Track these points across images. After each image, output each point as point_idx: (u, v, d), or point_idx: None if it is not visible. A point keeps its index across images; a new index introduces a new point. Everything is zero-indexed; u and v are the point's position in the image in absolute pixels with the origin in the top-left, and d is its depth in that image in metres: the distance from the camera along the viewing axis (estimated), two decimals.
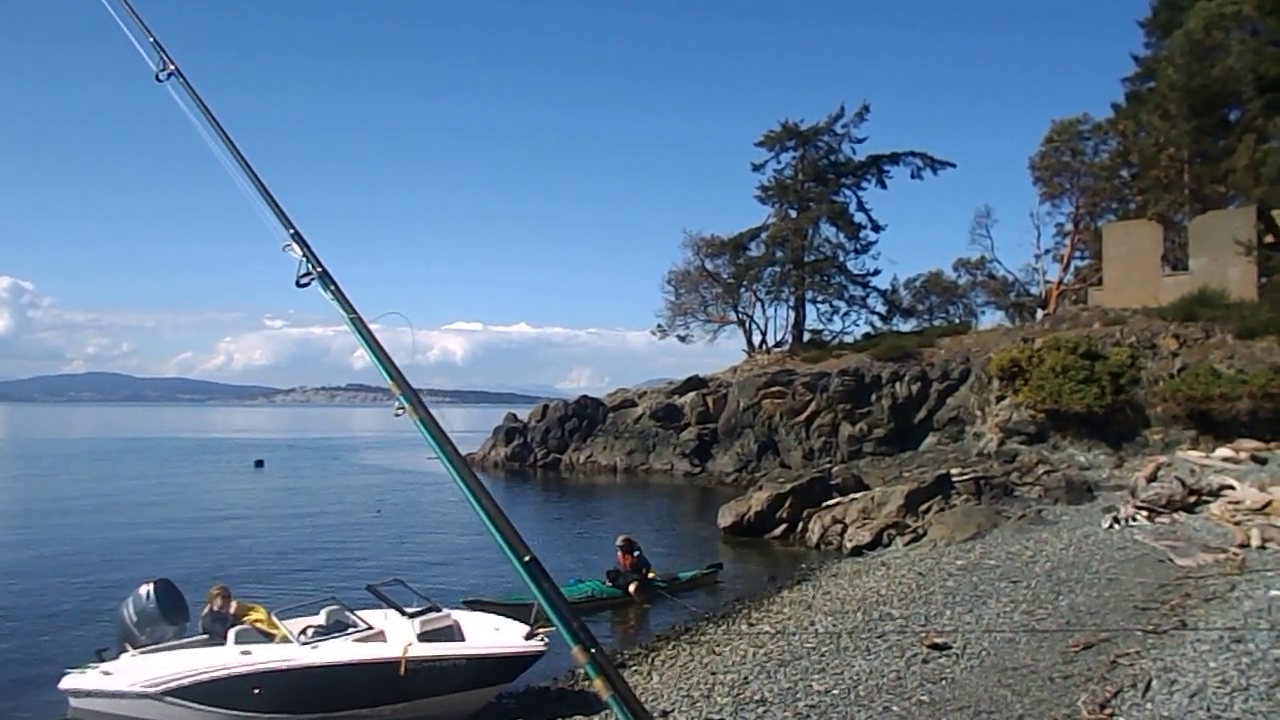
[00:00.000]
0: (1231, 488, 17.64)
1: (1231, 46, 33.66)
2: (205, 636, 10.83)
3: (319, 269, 2.59)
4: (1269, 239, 30.84)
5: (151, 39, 3.55)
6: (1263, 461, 21.07)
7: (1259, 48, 31.77)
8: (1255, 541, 13.15)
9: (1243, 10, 31.95)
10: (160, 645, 10.87)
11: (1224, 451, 22.81)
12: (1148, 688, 7.24)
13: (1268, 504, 15.20)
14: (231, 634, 10.36)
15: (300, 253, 2.61)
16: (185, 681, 10.05)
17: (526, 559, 2.06)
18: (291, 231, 2.68)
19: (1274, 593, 9.59)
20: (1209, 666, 7.23)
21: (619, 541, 17.48)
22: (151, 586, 11.32)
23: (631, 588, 16.77)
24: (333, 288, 2.56)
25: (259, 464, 50.66)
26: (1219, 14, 34.35)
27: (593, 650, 1.92)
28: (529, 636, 10.18)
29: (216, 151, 2.81)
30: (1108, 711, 6.98)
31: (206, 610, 11.03)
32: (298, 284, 2.59)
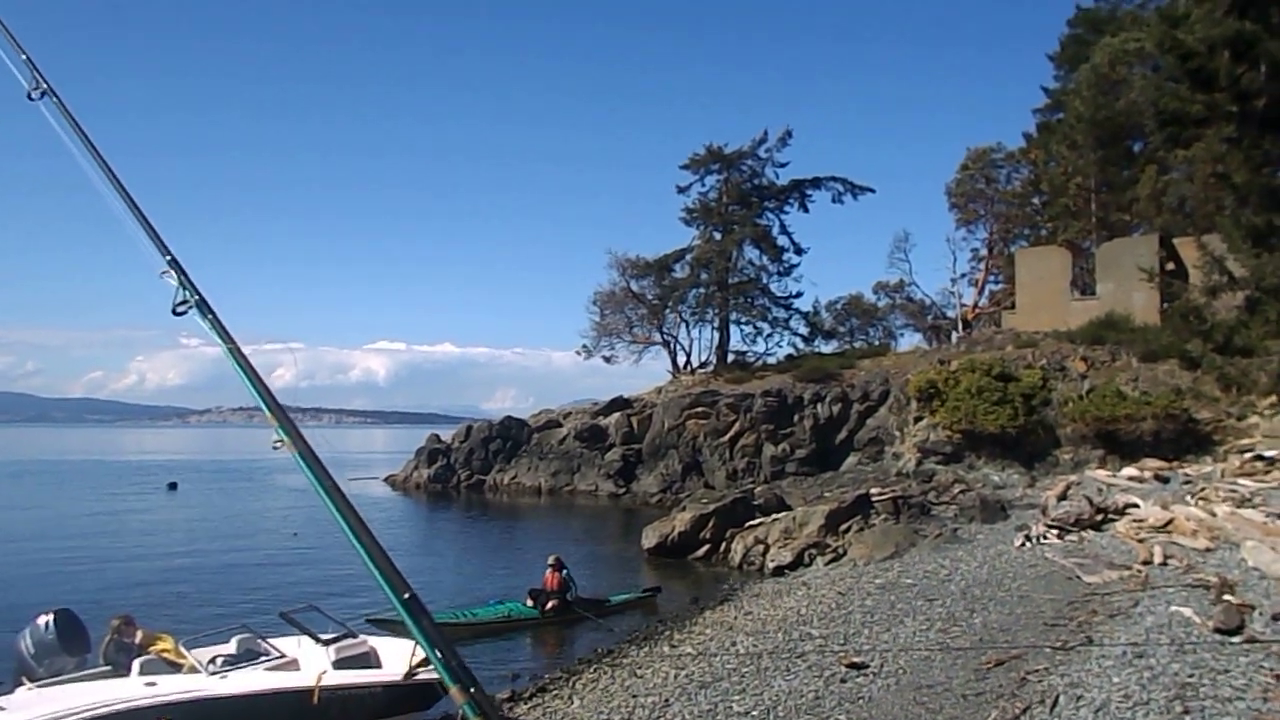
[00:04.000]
0: (1136, 506, 18.26)
1: (1134, 81, 35.14)
2: (108, 668, 10.40)
3: (196, 296, 2.52)
4: (1170, 266, 32.10)
5: (24, 56, 3.43)
6: (1165, 480, 21.86)
7: (1159, 83, 33.09)
8: (1157, 559, 13.61)
9: (1145, 47, 33.34)
10: (59, 678, 10.41)
11: (1129, 471, 23.63)
12: (1055, 703, 7.44)
13: (1169, 522, 15.76)
14: (136, 664, 9.98)
15: (177, 279, 2.54)
16: (86, 715, 9.62)
17: (406, 596, 2.03)
18: (168, 258, 2.60)
19: (1174, 608, 9.93)
20: (1113, 682, 7.45)
21: (550, 560, 17.38)
22: (51, 616, 10.82)
23: (549, 605, 16.70)
24: (210, 316, 2.50)
25: (172, 486, 49.15)
26: (1122, 50, 35.87)
27: (471, 690, 1.90)
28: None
29: (91, 174, 2.72)
30: None
31: (109, 640, 10.57)
32: (174, 312, 2.52)
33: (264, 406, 2.31)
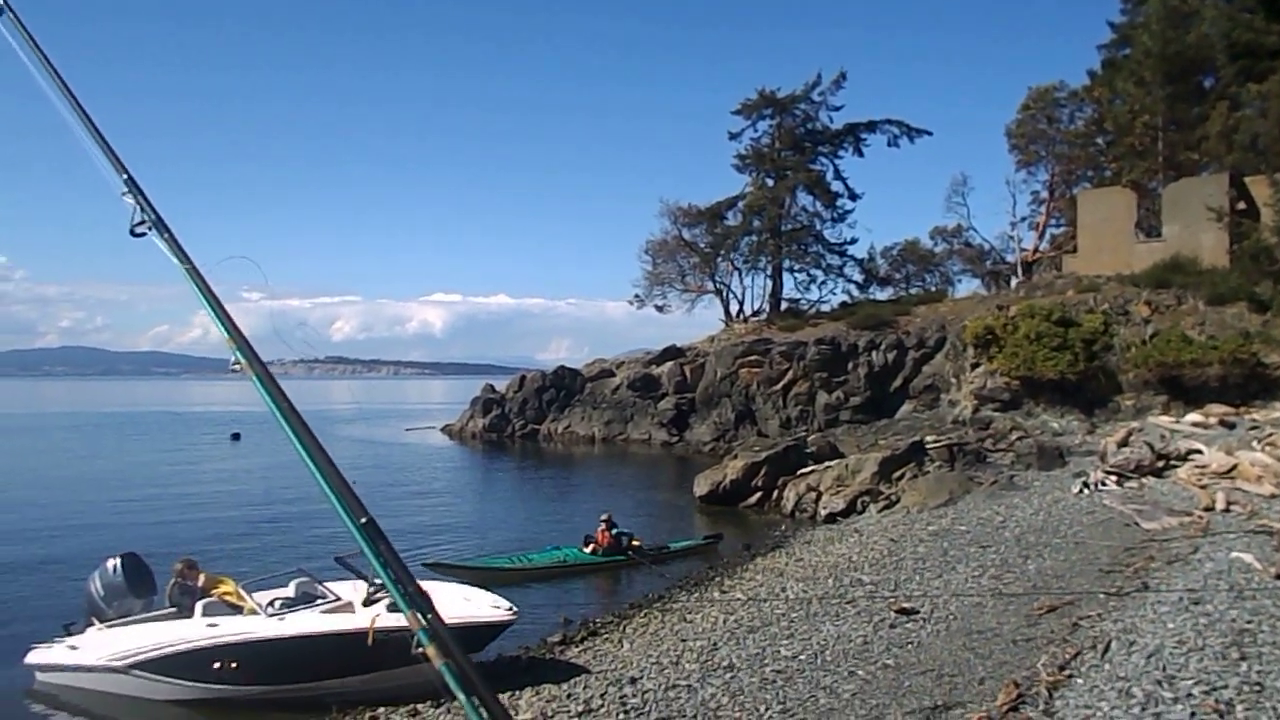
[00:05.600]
0: (1199, 452, 17.85)
1: (1205, 13, 33.73)
2: (173, 610, 10.75)
3: (154, 217, 2.50)
4: (1241, 206, 31.03)
5: None
6: (1231, 426, 21.33)
7: (1232, 14, 31.84)
8: (1220, 505, 13.31)
9: None
10: (127, 619, 10.79)
11: (1193, 417, 23.08)
12: (1107, 649, 7.32)
13: (1233, 468, 15.38)
14: (199, 607, 10.30)
15: (135, 200, 2.53)
16: (152, 655, 10.01)
17: (363, 520, 2.02)
18: (125, 177, 2.58)
19: (1235, 554, 9.70)
20: (1167, 628, 7.31)
21: (602, 517, 17.53)
22: (119, 560, 11.23)
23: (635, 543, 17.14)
24: (167, 236, 2.48)
25: (235, 437, 50.35)
26: None
27: (428, 617, 1.87)
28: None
29: (49, 94, 2.70)
30: (1066, 673, 7.05)
31: (173, 583, 10.93)
32: (132, 233, 2.51)
33: (222, 329, 2.30)
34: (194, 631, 9.95)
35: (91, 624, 10.88)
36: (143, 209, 2.53)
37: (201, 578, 11.02)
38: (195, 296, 2.36)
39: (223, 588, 10.96)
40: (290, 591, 10.64)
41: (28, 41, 2.72)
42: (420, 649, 1.79)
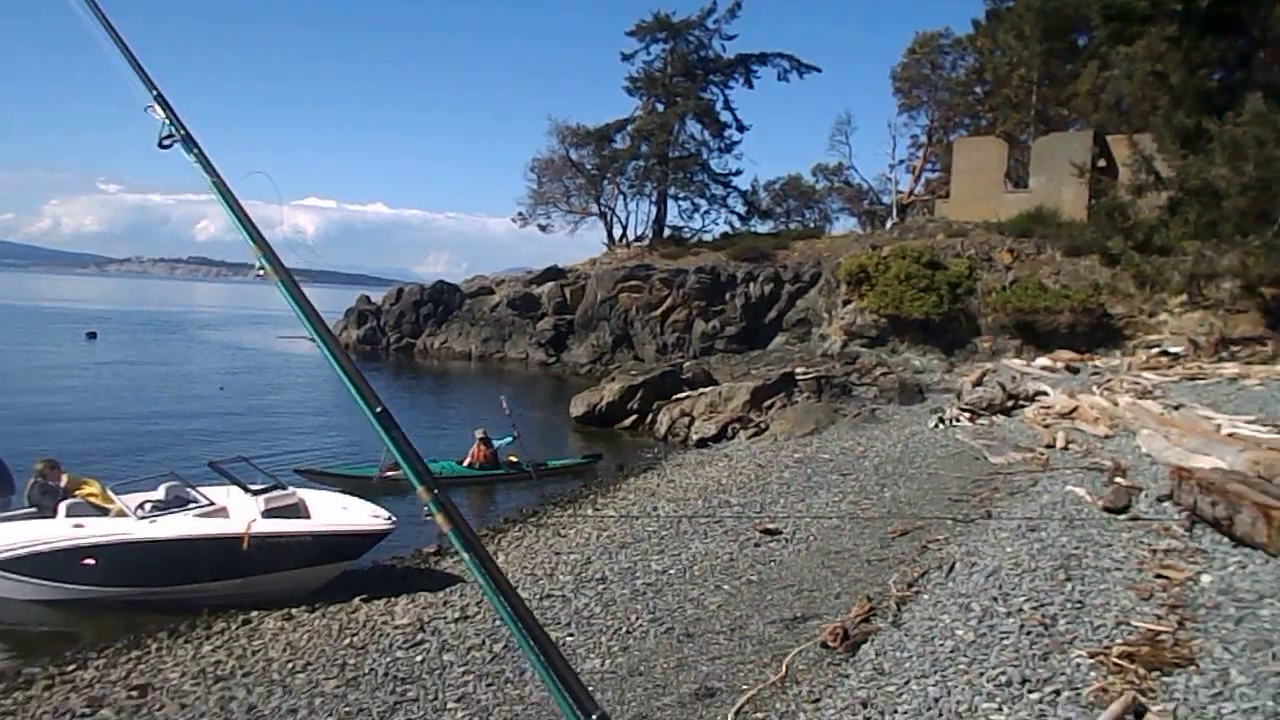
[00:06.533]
0: (1045, 394, 19.06)
1: None
2: (33, 510, 10.44)
3: (182, 132, 2.56)
4: (1102, 163, 32.64)
5: None
6: (1076, 371, 22.77)
7: None
8: (1060, 443, 14.32)
9: None
10: None
11: (1043, 361, 24.53)
12: (951, 569, 7.96)
13: (1074, 409, 16.52)
14: (62, 508, 10.04)
15: (163, 115, 2.57)
16: (11, 554, 9.75)
17: (379, 410, 2.19)
18: (155, 93, 2.62)
19: (1069, 488, 10.54)
20: (1005, 551, 7.97)
21: (478, 434, 17.57)
22: None
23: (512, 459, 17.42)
24: (196, 150, 2.54)
25: (91, 336, 47.98)
26: None
27: (435, 490, 2.10)
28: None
29: (80, 14, 2.69)
30: (914, 589, 7.66)
31: (33, 483, 10.55)
32: (160, 145, 2.56)
33: (248, 237, 2.38)
34: (58, 531, 9.71)
35: None
36: (171, 123, 2.54)
37: (64, 478, 10.70)
38: (221, 207, 2.41)
39: (87, 489, 10.68)
40: (160, 495, 10.48)
41: None
42: (429, 516, 2.06)
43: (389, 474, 14.22)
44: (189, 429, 21.59)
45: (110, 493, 10.37)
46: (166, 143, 2.57)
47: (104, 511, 10.18)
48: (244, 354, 43.74)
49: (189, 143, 2.55)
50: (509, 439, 17.74)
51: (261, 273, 2.35)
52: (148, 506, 10.09)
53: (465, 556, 2.06)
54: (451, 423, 23.68)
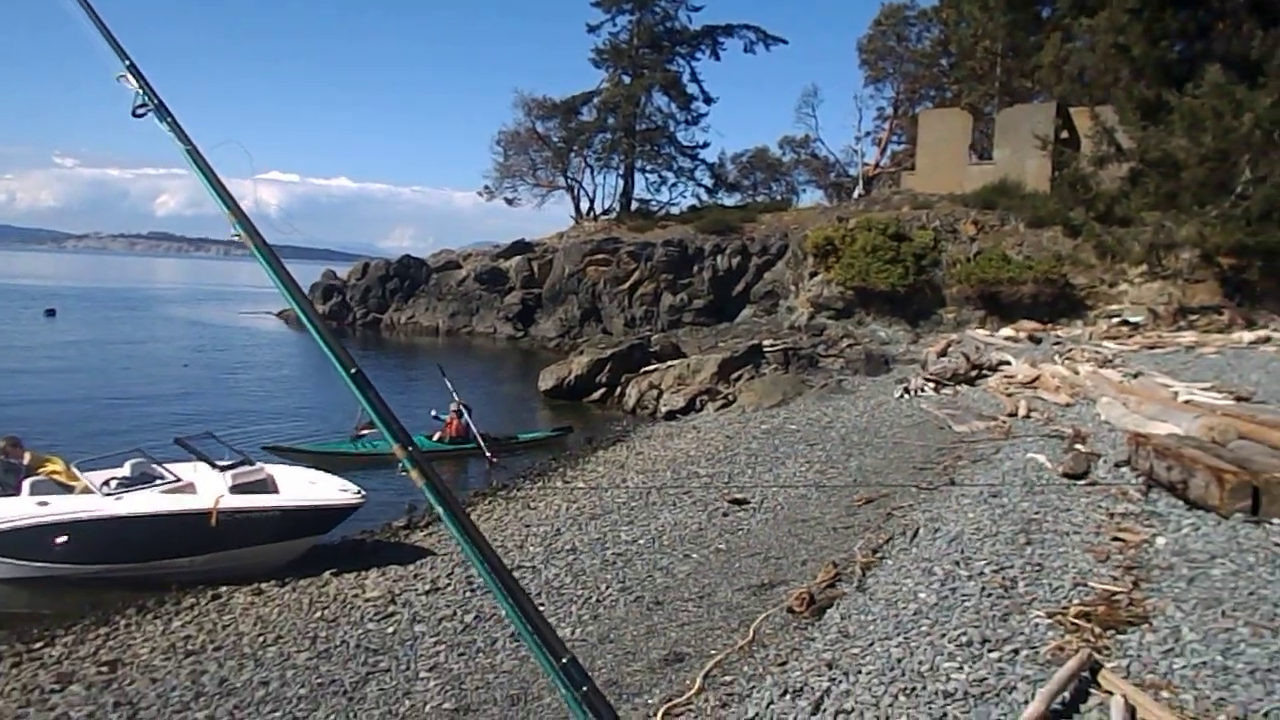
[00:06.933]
0: (1008, 364, 19.32)
1: None
2: None
3: (156, 101, 2.56)
4: (1064, 135, 32.91)
5: None
6: (1038, 341, 23.09)
7: None
8: (1022, 412, 14.55)
9: None
10: None
11: (1006, 331, 24.85)
12: (915, 535, 8.10)
13: (1036, 379, 16.78)
14: (26, 485, 9.96)
15: (135, 84, 2.58)
16: None
17: (353, 370, 2.23)
18: (127, 63, 2.62)
19: (1030, 455, 10.73)
20: (968, 517, 8.12)
21: (453, 406, 17.49)
22: None
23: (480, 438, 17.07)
24: (169, 119, 2.55)
25: (50, 313, 47.18)
26: None
27: (409, 448, 2.15)
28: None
29: None
30: (878, 555, 7.79)
31: None
32: (133, 114, 2.57)
33: (222, 205, 2.40)
34: (22, 509, 9.63)
35: None
36: (144, 93, 2.54)
37: (27, 456, 10.62)
38: (196, 176, 2.42)
39: (51, 466, 10.60)
40: (126, 471, 10.41)
41: None
42: (404, 472, 2.11)
43: (363, 433, 15.09)
44: (154, 407, 21.35)
45: (75, 470, 10.30)
46: (140, 112, 2.58)
47: (69, 489, 10.11)
48: (208, 330, 43.25)
49: (162, 111, 2.56)
50: (447, 415, 17.59)
51: (237, 237, 2.37)
52: (114, 483, 10.04)
53: (441, 512, 2.11)
54: (418, 397, 23.57)
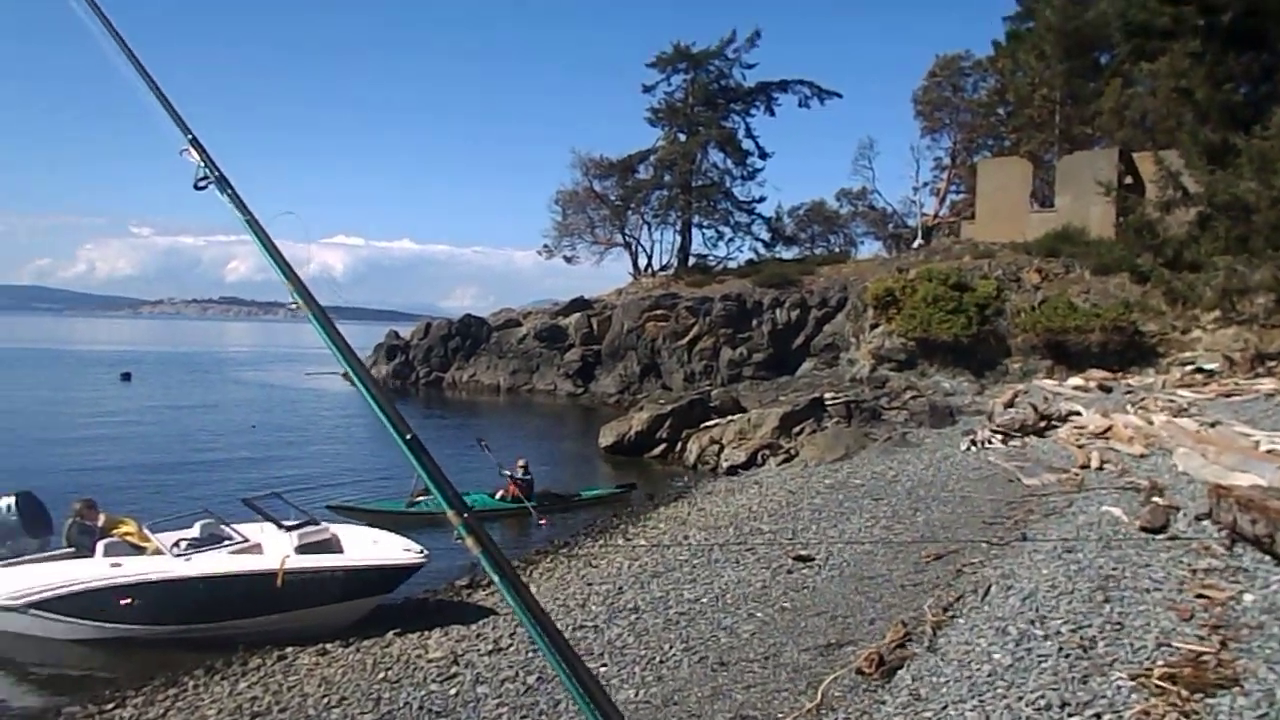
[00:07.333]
0: (1078, 414, 18.84)
1: None
2: (71, 550, 10.58)
3: (217, 173, 2.65)
4: (1128, 180, 32.43)
5: None
6: (1108, 390, 22.51)
7: None
8: (1094, 463, 14.13)
9: None
10: (23, 558, 10.59)
11: (1075, 380, 24.28)
12: (986, 593, 7.86)
13: (1108, 429, 16.32)
14: (100, 547, 10.17)
15: (198, 157, 2.67)
16: (52, 594, 9.87)
17: (408, 436, 2.23)
18: (190, 137, 2.72)
19: (1105, 508, 10.40)
20: (1042, 573, 7.87)
21: (520, 464, 17.66)
22: (13, 499, 10.96)
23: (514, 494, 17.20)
24: (229, 190, 2.62)
25: (126, 376, 48.64)
26: None
27: (465, 515, 2.13)
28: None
29: (117, 62, 2.80)
30: (949, 614, 7.57)
31: (71, 523, 10.72)
32: (196, 187, 2.65)
33: (281, 275, 2.46)
34: (96, 571, 9.83)
35: None
36: (206, 166, 2.64)
37: (101, 518, 10.85)
38: (256, 246, 2.49)
39: (124, 528, 10.82)
40: (195, 532, 10.59)
41: (95, 11, 2.79)
42: (459, 540, 2.10)
43: (419, 499, 14.91)
44: (223, 467, 21.80)
45: (147, 531, 10.50)
46: (201, 184, 2.66)
47: (141, 550, 10.30)
48: (275, 391, 44.15)
49: (223, 184, 2.64)
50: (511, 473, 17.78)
51: (295, 307, 2.41)
52: (183, 544, 10.21)
53: (495, 579, 2.09)
54: (480, 455, 23.70)
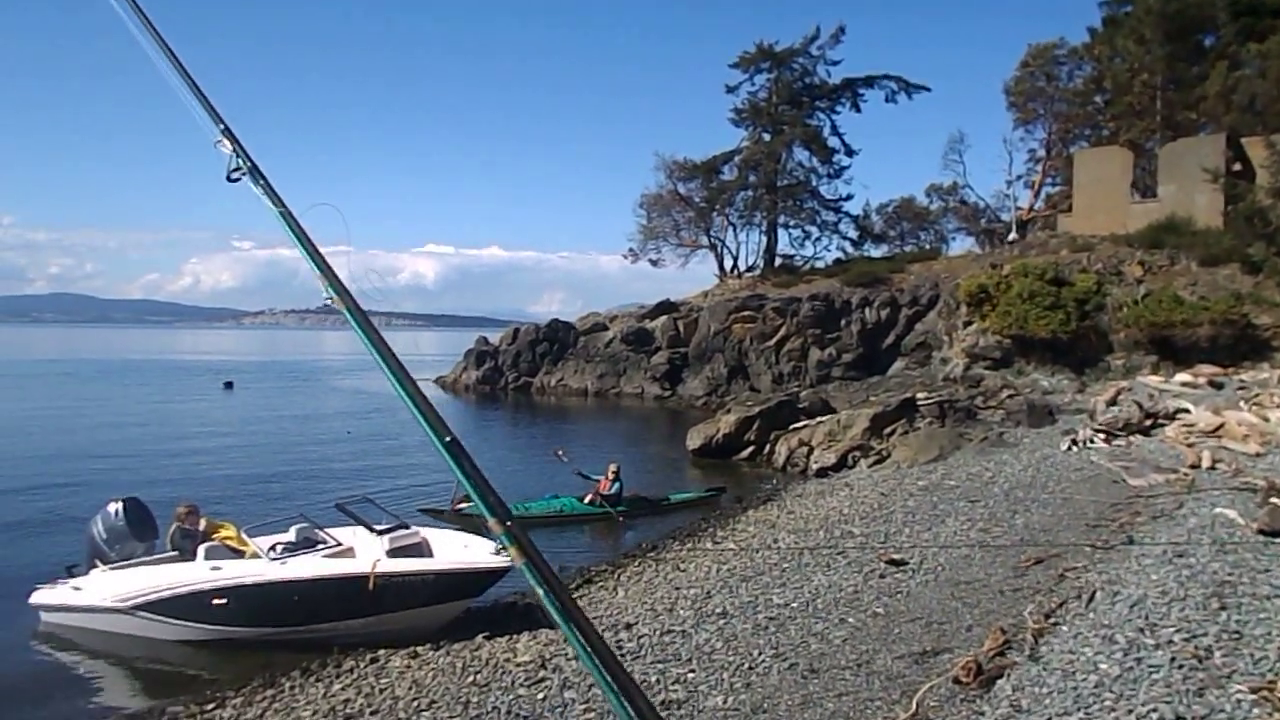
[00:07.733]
0: (1187, 411, 18.04)
1: None
2: (174, 553, 10.94)
3: (249, 164, 2.62)
4: (1236, 167, 31.02)
5: None
6: (1219, 386, 21.54)
7: None
8: (1206, 463, 13.51)
9: None
10: (130, 561, 10.99)
11: (1183, 376, 23.29)
12: (1091, 598, 7.52)
13: (1220, 427, 15.59)
14: (201, 550, 10.49)
15: (231, 148, 2.65)
16: (156, 596, 10.20)
17: (448, 439, 2.16)
18: (222, 127, 2.70)
19: (1219, 510, 9.90)
20: (1151, 579, 7.50)
21: (612, 467, 17.70)
22: (120, 504, 11.39)
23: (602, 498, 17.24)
24: (263, 182, 2.60)
25: (228, 385, 50.44)
26: None
27: (508, 522, 2.04)
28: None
29: (150, 52, 2.80)
30: (1051, 620, 7.25)
31: (175, 528, 11.11)
32: (228, 179, 2.63)
33: (314, 266, 2.42)
34: (197, 574, 10.13)
35: (95, 566, 11.06)
36: (238, 156, 2.63)
37: (203, 522, 11.21)
38: (289, 238, 2.47)
39: (224, 532, 11.14)
40: (291, 536, 10.82)
41: (132, 6, 2.83)
42: (502, 549, 2.02)
43: (460, 506, 14.88)
44: (318, 472, 22.34)
45: (245, 535, 10.77)
46: (235, 176, 2.64)
47: (239, 554, 10.58)
48: (370, 399, 45.14)
49: (256, 174, 2.61)
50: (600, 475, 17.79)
51: (329, 301, 2.36)
52: (279, 548, 10.44)
53: (540, 592, 2.00)
54: (571, 458, 23.85)
